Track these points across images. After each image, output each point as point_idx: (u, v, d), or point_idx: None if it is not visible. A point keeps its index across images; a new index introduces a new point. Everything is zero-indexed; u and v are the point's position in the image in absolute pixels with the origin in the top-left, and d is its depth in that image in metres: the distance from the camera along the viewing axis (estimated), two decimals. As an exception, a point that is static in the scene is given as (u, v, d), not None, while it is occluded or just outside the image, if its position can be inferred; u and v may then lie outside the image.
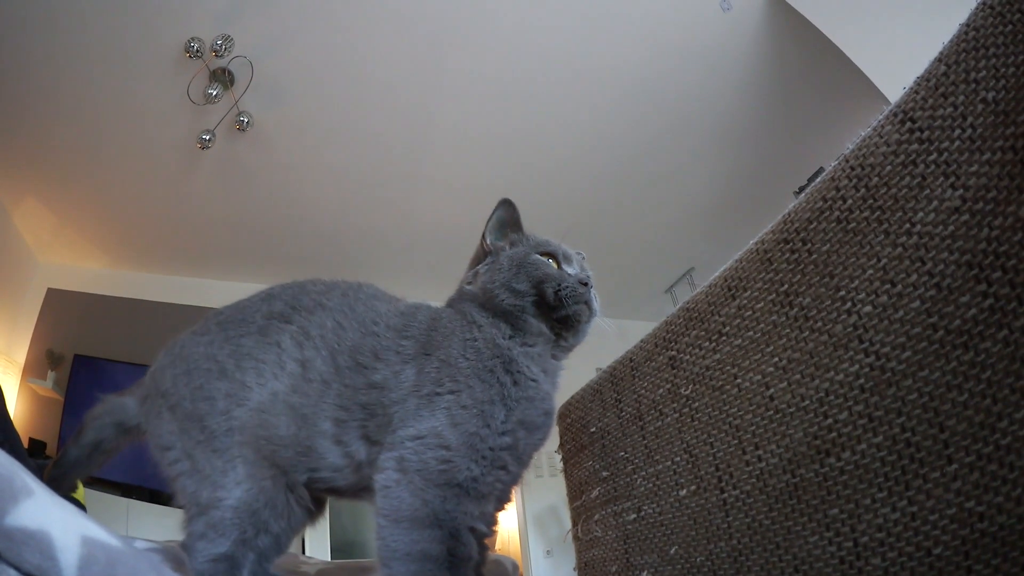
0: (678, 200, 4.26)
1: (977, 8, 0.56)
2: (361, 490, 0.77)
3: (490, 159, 3.64)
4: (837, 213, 0.67)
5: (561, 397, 0.99)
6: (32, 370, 3.91)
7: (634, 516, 1.01)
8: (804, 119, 3.75)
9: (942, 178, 0.56)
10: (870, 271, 0.62)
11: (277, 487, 0.75)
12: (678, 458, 0.92)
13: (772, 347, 0.74)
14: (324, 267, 4.40)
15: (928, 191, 0.57)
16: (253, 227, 3.95)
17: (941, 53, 0.59)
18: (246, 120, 2.93)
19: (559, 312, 0.81)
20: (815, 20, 2.61)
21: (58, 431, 3.90)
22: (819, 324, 0.68)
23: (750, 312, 0.78)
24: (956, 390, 0.53)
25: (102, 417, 0.87)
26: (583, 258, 0.94)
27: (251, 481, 0.73)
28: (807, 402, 0.68)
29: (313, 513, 0.85)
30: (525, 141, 3.52)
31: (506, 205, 0.92)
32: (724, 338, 0.83)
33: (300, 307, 0.82)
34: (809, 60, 3.21)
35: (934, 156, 0.57)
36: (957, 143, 0.55)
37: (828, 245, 0.68)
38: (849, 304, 0.64)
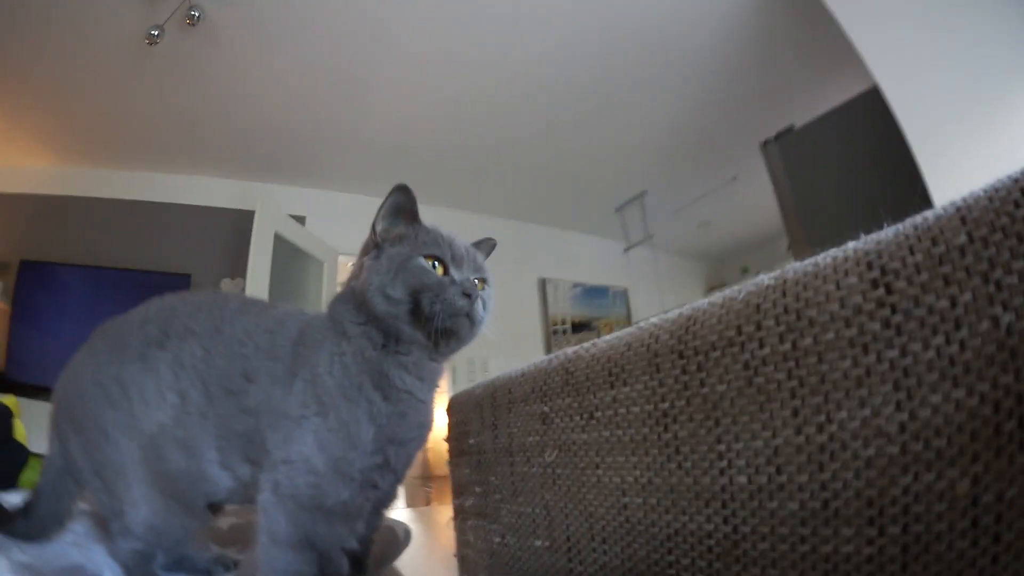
0: (640, 125, 4.26)
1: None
2: None
3: (448, 63, 3.46)
4: (747, 357, 0.55)
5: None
6: (-26, 280, 3.68)
7: (499, 540, 0.99)
8: (781, 73, 3.69)
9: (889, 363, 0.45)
10: (759, 443, 0.53)
11: (173, 513, 0.78)
12: (538, 510, 0.88)
13: (637, 459, 0.67)
14: (273, 163, 4.45)
15: (870, 371, 0.45)
16: (203, 122, 3.80)
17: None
18: (197, 15, 2.78)
19: (434, 325, 0.75)
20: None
21: (6, 343, 3.76)
22: (688, 464, 0.60)
23: (624, 411, 0.70)
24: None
25: (47, 473, 0.84)
26: (484, 253, 0.87)
27: (148, 504, 0.76)
28: (657, 529, 0.64)
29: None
30: (486, 50, 3.35)
31: (401, 191, 0.80)
32: (595, 423, 0.75)
33: (172, 333, 0.79)
34: (797, 15, 3.11)
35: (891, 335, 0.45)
36: (912, 324, 0.45)
37: (725, 387, 0.57)
38: (724, 464, 0.56)
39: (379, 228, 0.81)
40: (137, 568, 0.79)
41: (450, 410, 1.22)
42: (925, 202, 1.98)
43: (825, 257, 0.50)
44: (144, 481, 0.76)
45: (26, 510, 0.82)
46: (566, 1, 3.04)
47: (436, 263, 0.77)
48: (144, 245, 4.16)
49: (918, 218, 0.44)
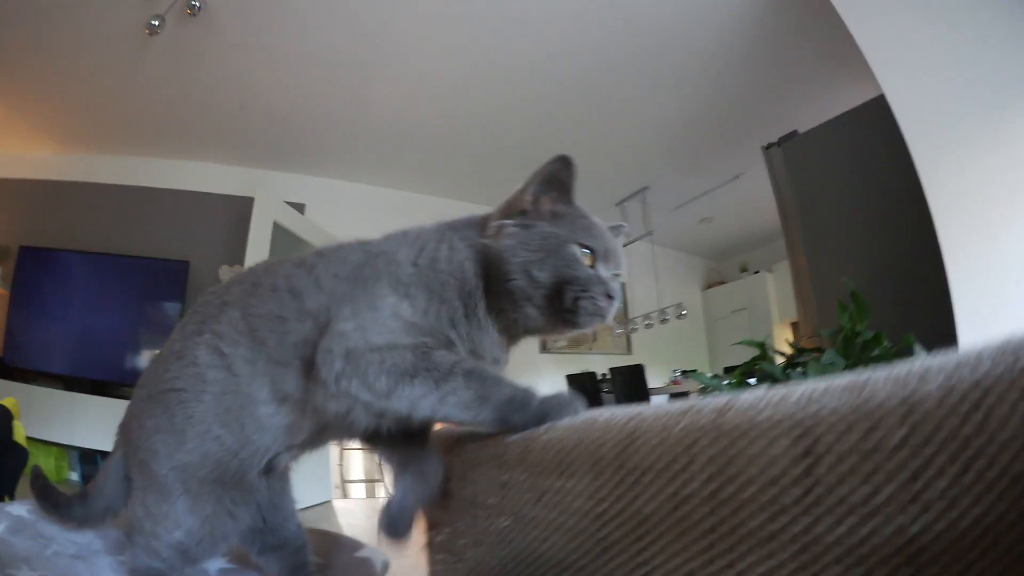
0: (644, 121, 4.26)
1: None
2: (320, 435, 0.76)
3: (452, 55, 3.45)
4: (675, 488, 0.51)
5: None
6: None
7: (465, 580, 1.00)
8: (788, 77, 3.68)
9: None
10: (675, 563, 0.52)
11: (220, 510, 0.75)
12: (496, 563, 0.88)
13: (576, 545, 0.64)
14: (274, 149, 4.43)
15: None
16: (203, 109, 3.80)
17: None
18: (197, 4, 2.82)
19: (567, 317, 0.71)
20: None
21: (4, 326, 3.77)
22: (614, 564, 0.59)
23: (569, 500, 0.66)
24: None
25: (110, 473, 0.83)
26: (623, 244, 0.82)
27: (192, 517, 0.73)
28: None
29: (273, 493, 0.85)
30: (491, 40, 3.34)
31: (562, 162, 0.74)
32: (544, 503, 0.74)
33: (208, 316, 0.76)
34: (808, 21, 3.10)
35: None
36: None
37: (653, 509, 0.54)
38: (644, 572, 0.54)
39: (530, 195, 0.75)
40: None
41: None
42: (926, 221, 1.99)
43: (763, 411, 0.47)
44: (189, 492, 0.73)
45: (83, 497, 0.83)
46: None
47: (588, 252, 0.73)
48: (143, 231, 4.17)
49: (864, 391, 0.43)
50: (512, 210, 0.75)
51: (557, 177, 0.74)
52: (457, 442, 0.96)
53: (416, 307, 0.68)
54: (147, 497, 0.75)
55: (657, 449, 0.53)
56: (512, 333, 0.76)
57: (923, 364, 0.39)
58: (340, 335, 0.66)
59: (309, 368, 0.68)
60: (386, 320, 0.67)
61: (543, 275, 0.70)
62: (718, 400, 0.50)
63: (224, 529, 0.76)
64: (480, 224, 0.77)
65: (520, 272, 0.70)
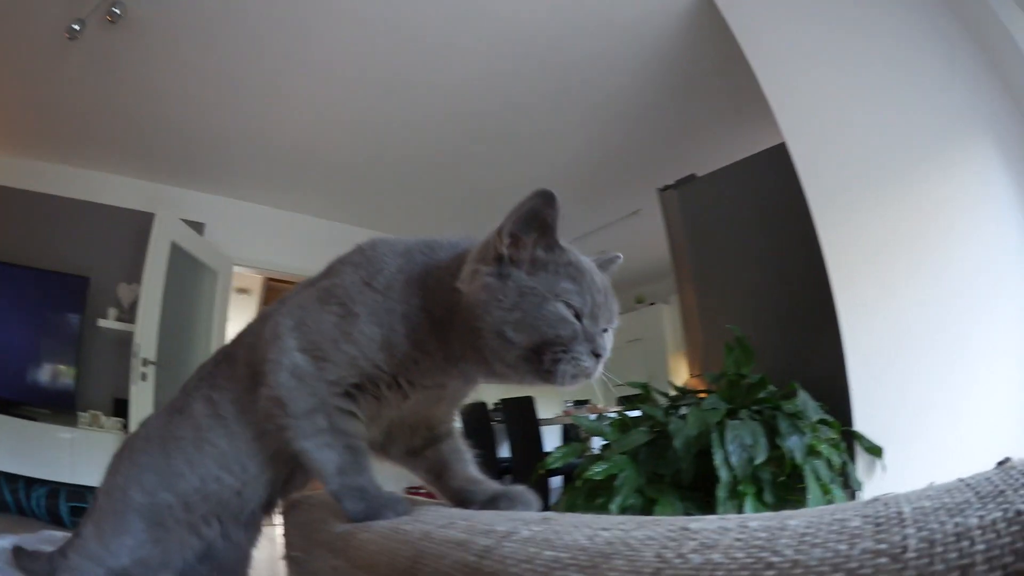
0: (549, 157, 4.31)
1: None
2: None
3: (358, 84, 3.46)
4: None
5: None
6: None
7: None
8: (692, 122, 3.78)
9: None
10: None
11: (184, 541, 0.78)
12: None
13: None
14: (178, 165, 4.19)
15: None
16: (114, 117, 3.69)
17: None
18: (118, 12, 2.78)
19: (545, 377, 0.63)
20: (736, 30, 2.41)
21: None
22: None
23: None
24: None
25: None
26: (608, 274, 0.74)
27: (145, 549, 0.77)
28: None
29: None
30: (398, 73, 3.35)
31: (543, 198, 0.63)
32: None
33: (205, 371, 0.83)
34: (719, 67, 3.14)
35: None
36: None
37: None
38: None
39: (507, 238, 0.64)
40: None
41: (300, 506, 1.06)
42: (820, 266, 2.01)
43: (521, 562, 0.40)
44: (155, 528, 0.77)
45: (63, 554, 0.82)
46: (486, 33, 3.02)
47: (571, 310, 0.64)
48: (42, 241, 3.88)
49: None
50: (487, 253, 0.66)
51: (538, 216, 0.64)
52: (307, 518, 0.90)
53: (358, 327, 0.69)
54: (104, 521, 0.78)
55: (434, 574, 0.49)
56: (475, 372, 0.71)
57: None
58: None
59: None
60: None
61: (520, 337, 0.62)
62: (498, 531, 0.46)
63: (173, 560, 0.78)
64: (457, 260, 0.69)
65: (492, 333, 0.62)
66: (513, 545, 0.42)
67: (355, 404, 0.69)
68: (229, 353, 0.83)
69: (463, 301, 0.65)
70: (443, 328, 0.68)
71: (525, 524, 0.47)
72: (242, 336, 0.83)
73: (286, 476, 0.80)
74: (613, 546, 0.33)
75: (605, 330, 0.67)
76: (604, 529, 0.38)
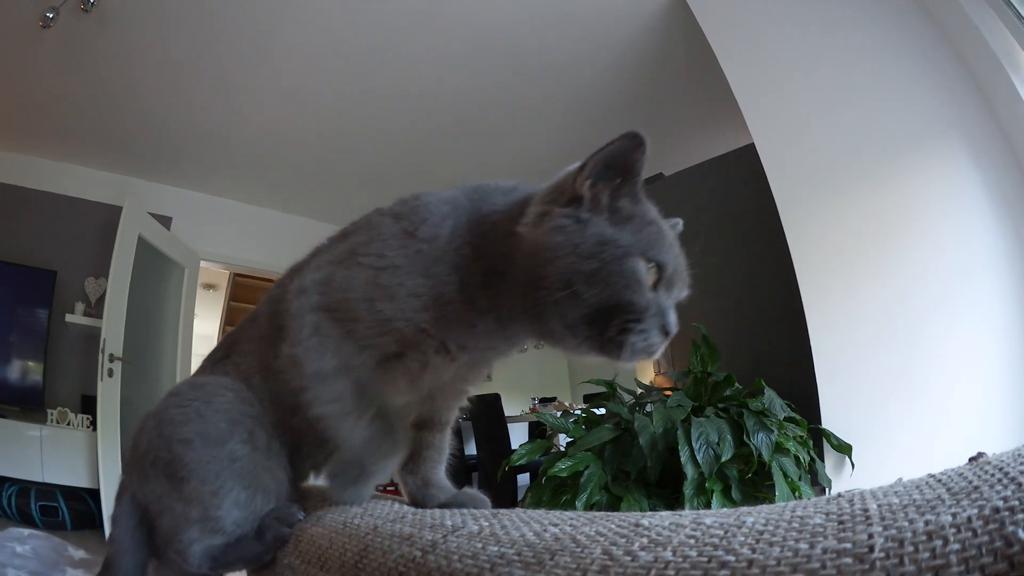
0: (516, 154, 4.28)
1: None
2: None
3: (329, 78, 3.42)
4: None
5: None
6: None
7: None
8: (662, 121, 3.81)
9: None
10: None
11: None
12: None
13: None
14: (147, 157, 4.07)
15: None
16: (85, 108, 3.59)
17: None
18: (92, 1, 2.72)
19: (606, 347, 0.55)
20: (707, 31, 2.41)
21: None
22: None
23: None
24: None
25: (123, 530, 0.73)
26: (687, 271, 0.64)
27: (245, 495, 0.68)
28: None
29: None
30: (369, 68, 3.32)
31: (633, 141, 0.55)
32: None
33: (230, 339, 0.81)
34: (690, 67, 3.15)
35: None
36: None
37: None
38: None
39: (587, 178, 0.56)
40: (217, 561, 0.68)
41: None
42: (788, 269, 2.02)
43: (464, 557, 0.40)
44: (240, 483, 0.67)
45: (108, 569, 0.72)
46: (454, 28, 2.99)
47: (652, 268, 0.56)
48: (7, 233, 3.74)
49: None
50: (560, 195, 0.58)
51: (626, 160, 0.56)
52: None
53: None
54: (183, 490, 0.66)
55: (380, 569, 0.48)
56: (526, 333, 0.63)
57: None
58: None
59: None
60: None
61: (589, 293, 0.53)
62: (446, 525, 0.46)
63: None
64: (519, 205, 0.61)
65: (561, 283, 0.54)
66: (459, 540, 0.40)
67: (386, 371, 0.63)
68: (254, 314, 0.78)
69: (524, 246, 0.57)
70: (496, 280, 0.59)
71: (475, 519, 0.46)
72: (268, 294, 0.77)
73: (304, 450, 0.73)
74: (561, 542, 0.31)
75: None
76: (554, 525, 0.36)
